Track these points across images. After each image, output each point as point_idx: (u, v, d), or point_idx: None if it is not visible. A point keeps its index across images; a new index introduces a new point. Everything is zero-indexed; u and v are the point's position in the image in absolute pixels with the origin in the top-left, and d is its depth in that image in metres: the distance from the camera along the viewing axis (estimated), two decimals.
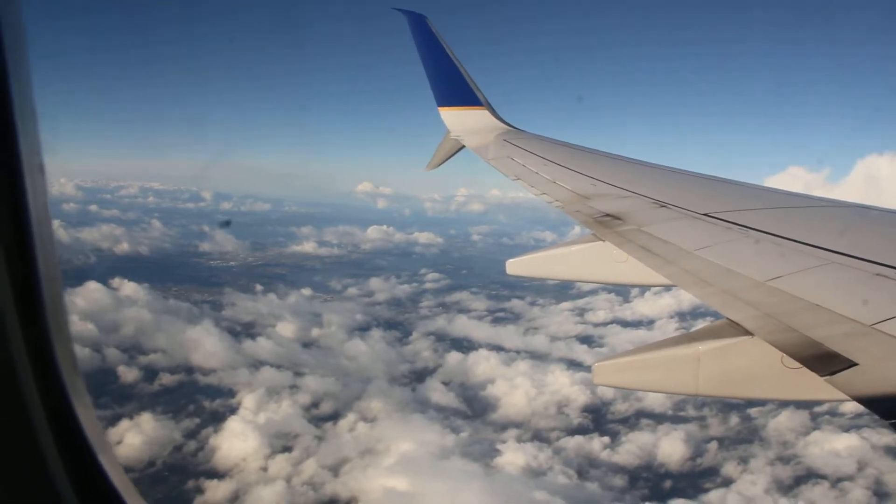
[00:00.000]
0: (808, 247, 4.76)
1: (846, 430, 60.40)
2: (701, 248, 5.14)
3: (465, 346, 78.09)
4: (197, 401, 59.64)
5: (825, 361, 3.21)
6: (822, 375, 3.14)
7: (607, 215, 6.57)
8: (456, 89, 13.10)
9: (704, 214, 6.05)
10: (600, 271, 6.12)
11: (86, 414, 1.85)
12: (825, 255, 4.54)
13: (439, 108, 13.21)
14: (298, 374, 66.22)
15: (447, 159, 13.22)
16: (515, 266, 6.71)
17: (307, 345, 75.84)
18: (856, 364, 3.11)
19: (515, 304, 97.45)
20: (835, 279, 4.19)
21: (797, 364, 3.37)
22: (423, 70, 13.29)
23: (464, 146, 12.57)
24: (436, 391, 65.25)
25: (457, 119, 13.10)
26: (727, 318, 3.99)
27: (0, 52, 1.57)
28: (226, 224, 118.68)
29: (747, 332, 3.78)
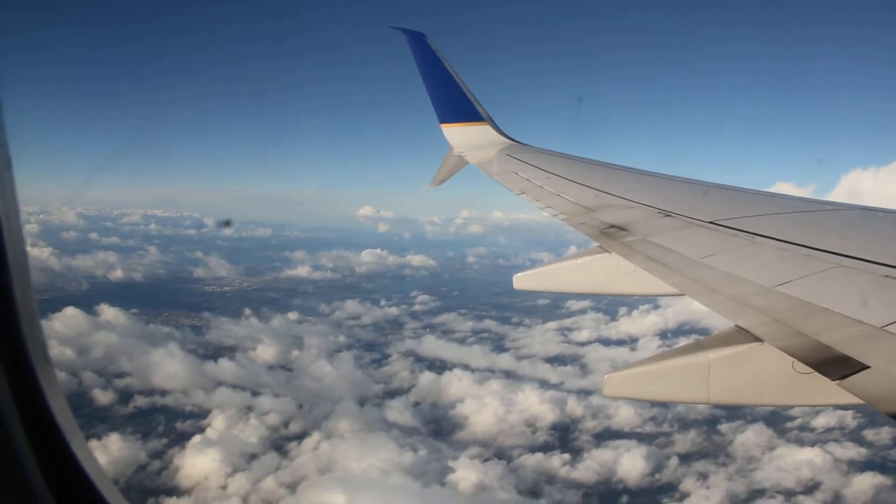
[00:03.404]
0: (814, 251, 4.73)
1: (812, 444, 60.75)
2: (707, 255, 5.14)
3: (438, 366, 79.22)
4: (167, 422, 61.26)
5: (836, 365, 3.18)
6: (833, 379, 3.11)
7: (612, 226, 6.54)
8: (457, 105, 13.11)
9: (710, 222, 6.01)
10: (607, 283, 6.06)
11: (71, 431, 1.96)
12: (832, 259, 4.51)
13: (441, 125, 13.21)
14: (272, 395, 67.80)
15: (450, 176, 13.23)
16: (522, 280, 6.64)
17: (284, 367, 77.45)
18: (867, 367, 3.08)
19: (501, 324, 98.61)
20: (843, 282, 4.19)
21: (808, 369, 3.34)
22: (423, 88, 13.31)
23: (467, 162, 12.61)
24: (404, 411, 66.44)
25: (459, 135, 13.11)
26: (736, 325, 3.97)
27: None
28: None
29: (757, 339, 3.75)
